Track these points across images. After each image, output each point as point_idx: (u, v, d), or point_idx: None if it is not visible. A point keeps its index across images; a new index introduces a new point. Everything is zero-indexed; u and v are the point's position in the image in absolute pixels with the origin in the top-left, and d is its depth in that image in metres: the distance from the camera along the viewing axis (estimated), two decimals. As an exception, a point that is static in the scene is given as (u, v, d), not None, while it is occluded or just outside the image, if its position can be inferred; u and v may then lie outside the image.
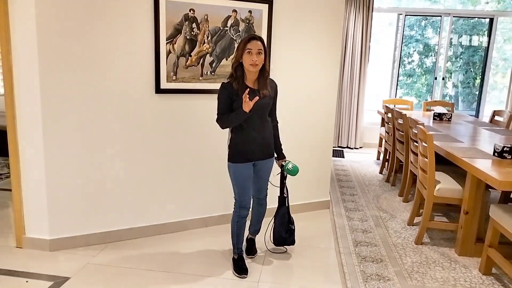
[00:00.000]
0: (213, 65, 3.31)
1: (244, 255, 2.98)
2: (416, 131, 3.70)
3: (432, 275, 2.88)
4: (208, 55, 3.27)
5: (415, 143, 3.79)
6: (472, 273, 2.93)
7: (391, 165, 5.04)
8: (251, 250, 3.10)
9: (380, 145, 6.16)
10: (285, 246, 3.16)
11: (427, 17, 7.32)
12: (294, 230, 3.07)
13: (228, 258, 3.02)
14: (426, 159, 3.33)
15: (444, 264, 3.04)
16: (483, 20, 7.21)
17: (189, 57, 3.21)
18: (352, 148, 7.08)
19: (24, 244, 3.06)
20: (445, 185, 3.29)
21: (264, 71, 2.64)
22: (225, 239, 3.33)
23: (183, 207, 3.45)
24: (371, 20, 6.68)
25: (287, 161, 2.89)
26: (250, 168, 2.75)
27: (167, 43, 3.09)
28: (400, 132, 4.59)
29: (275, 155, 2.92)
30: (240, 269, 2.83)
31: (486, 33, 7.19)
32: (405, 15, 7.03)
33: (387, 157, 5.38)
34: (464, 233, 3.15)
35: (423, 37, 7.62)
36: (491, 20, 7.01)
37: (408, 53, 7.63)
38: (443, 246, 3.33)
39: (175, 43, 3.13)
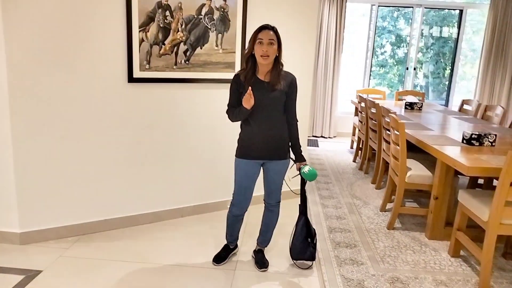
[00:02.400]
0: (187, 54, 3.27)
1: (255, 267, 2.79)
2: (388, 120, 3.78)
3: (404, 258, 2.97)
4: (182, 43, 3.23)
5: (387, 132, 3.87)
6: (442, 255, 3.04)
7: (364, 153, 5.13)
8: (261, 262, 2.80)
9: (353, 134, 6.26)
10: (306, 262, 2.86)
11: (399, 8, 7.45)
12: (314, 244, 2.79)
13: (204, 248, 3.02)
14: (398, 147, 3.41)
15: (415, 247, 3.14)
16: (453, 11, 7.39)
17: (163, 46, 3.16)
18: (326, 138, 7.18)
19: (-7, 238, 2.98)
20: (416, 172, 3.39)
21: (278, 63, 2.47)
22: (200, 229, 3.33)
23: (157, 197, 3.42)
24: (345, 11, 6.74)
25: (304, 165, 2.65)
26: (254, 167, 2.58)
27: (139, 31, 3.04)
28: (373, 121, 4.68)
29: (293, 157, 2.69)
30: (216, 255, 2.83)
31: (455, 24, 7.37)
32: (378, 6, 7.12)
33: (360, 146, 5.48)
34: (434, 218, 3.25)
35: (395, 28, 7.76)
36: (461, 11, 7.19)
37: (381, 44, 7.75)
38: (414, 231, 3.43)
39: (148, 31, 3.07)
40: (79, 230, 3.14)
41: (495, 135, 3.29)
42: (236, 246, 2.94)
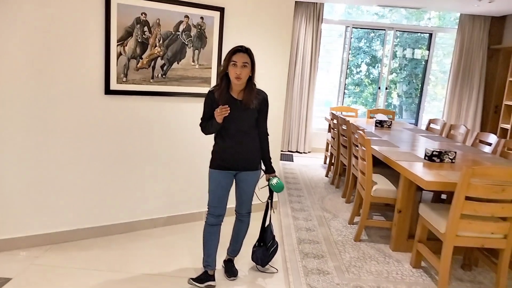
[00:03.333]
0: (164, 68, 3.38)
1: (225, 276, 2.87)
2: (357, 136, 3.94)
3: (368, 268, 3.10)
4: (159, 58, 3.33)
5: (356, 148, 4.03)
6: (404, 266, 3.18)
7: (335, 168, 5.29)
8: (231, 271, 2.90)
9: (327, 150, 6.43)
10: (274, 267, 3.02)
11: (374, 30, 7.76)
12: (265, 249, 2.91)
13: (175, 257, 3.08)
14: (365, 162, 3.57)
15: (379, 258, 3.28)
16: (424, 34, 7.74)
17: (140, 60, 3.26)
18: (301, 153, 7.33)
19: (-38, 245, 2.97)
20: (381, 186, 3.54)
21: (251, 82, 2.59)
22: (172, 239, 3.39)
23: (130, 208, 3.47)
24: (321, 32, 6.99)
25: (273, 177, 2.78)
26: (227, 177, 2.68)
27: (118, 45, 3.13)
28: (344, 138, 4.85)
29: (263, 168, 2.80)
30: (198, 279, 2.69)
31: (427, 47, 7.72)
32: (352, 27, 7.40)
33: (333, 161, 5.64)
34: (397, 230, 3.41)
35: (370, 49, 8.06)
36: (430, 35, 7.55)
37: (357, 63, 8.03)
38: (379, 243, 3.58)
39: (126, 46, 3.17)
40: (51, 239, 3.15)
41: (455, 152, 3.49)
42: (214, 274, 2.76)
